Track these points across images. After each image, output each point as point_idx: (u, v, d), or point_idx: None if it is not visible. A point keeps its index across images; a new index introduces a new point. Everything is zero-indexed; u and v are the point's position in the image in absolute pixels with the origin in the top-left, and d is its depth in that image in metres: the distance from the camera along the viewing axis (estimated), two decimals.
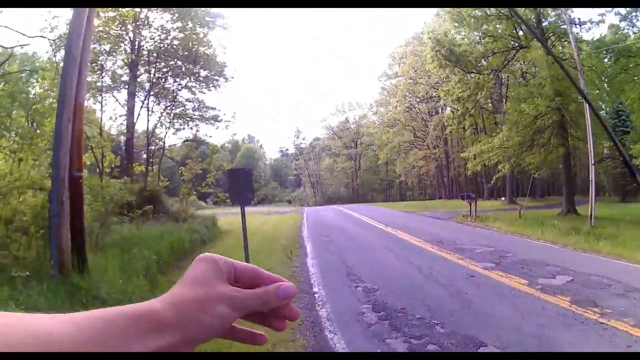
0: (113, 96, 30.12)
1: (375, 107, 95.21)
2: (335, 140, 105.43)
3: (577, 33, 29.53)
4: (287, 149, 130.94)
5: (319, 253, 17.75)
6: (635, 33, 30.72)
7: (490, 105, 53.39)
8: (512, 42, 34.02)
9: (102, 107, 28.11)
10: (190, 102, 34.32)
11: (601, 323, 8.04)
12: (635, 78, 27.15)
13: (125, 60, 29.55)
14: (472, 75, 37.22)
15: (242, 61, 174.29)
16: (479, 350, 7.10)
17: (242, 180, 12.68)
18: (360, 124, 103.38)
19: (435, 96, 73.77)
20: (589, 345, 7.11)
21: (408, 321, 8.63)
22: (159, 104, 32.44)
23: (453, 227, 26.93)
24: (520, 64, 41.06)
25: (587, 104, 24.43)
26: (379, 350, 7.25)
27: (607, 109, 43.44)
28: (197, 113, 34.42)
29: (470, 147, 39.18)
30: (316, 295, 10.85)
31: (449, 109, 65.07)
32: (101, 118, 27.60)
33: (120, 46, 29.00)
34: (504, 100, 46.63)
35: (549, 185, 67.76)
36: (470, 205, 30.87)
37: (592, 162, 24.86)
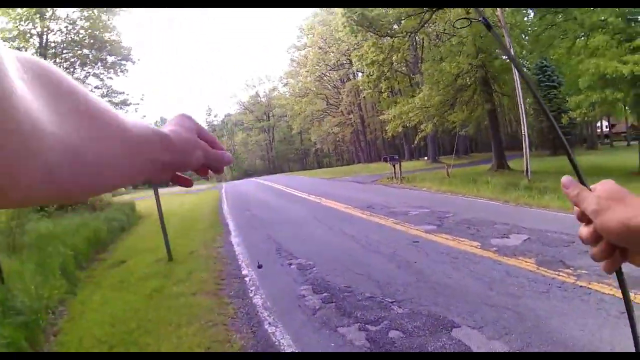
0: None
1: (286, 78, 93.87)
2: (247, 114, 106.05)
3: None
4: None
5: (243, 230, 16.32)
6: None
7: (404, 68, 52.78)
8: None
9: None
10: (98, 88, 33.28)
11: (581, 287, 7.01)
12: (566, 32, 26.73)
13: (36, 54, 27.87)
14: (387, 39, 36.25)
15: (148, 44, 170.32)
16: (452, 333, 5.88)
17: None
18: (271, 96, 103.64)
19: (346, 63, 73.53)
20: (575, 314, 6.06)
21: (357, 302, 7.37)
22: None
23: (380, 191, 25.97)
24: (436, 25, 40.37)
25: (511, 60, 23.81)
26: (332, 344, 5.91)
27: (530, 65, 43.52)
28: (105, 99, 32.39)
29: (388, 110, 38.49)
30: (247, 279, 9.47)
31: (361, 74, 64.94)
32: None
33: (29, 42, 28.50)
34: (420, 62, 46.23)
35: (472, 143, 68.41)
36: (394, 167, 30.41)
37: (523, 116, 24.21)
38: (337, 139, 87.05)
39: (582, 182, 0.94)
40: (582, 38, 26.92)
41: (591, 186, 0.92)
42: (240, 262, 11.11)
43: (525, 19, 29.88)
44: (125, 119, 0.68)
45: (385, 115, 38.60)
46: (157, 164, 0.75)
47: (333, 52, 72.81)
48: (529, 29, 29.72)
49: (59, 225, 15.70)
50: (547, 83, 46.37)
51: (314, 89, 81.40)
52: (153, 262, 11.77)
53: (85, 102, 0.59)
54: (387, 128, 39.44)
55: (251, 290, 8.71)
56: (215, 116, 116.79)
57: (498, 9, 24.95)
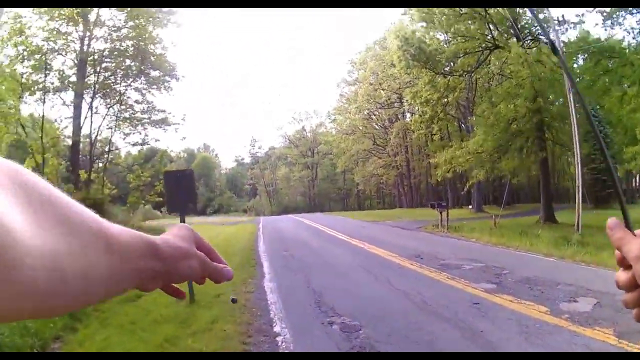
0: (60, 97, 27.89)
1: (334, 114, 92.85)
2: (291, 149, 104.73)
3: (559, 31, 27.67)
4: (242, 158, 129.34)
5: (279, 273, 14.73)
6: (616, 33, 29.34)
7: (454, 110, 51.21)
8: (486, 42, 31.90)
9: (43, 109, 25.62)
10: (139, 103, 31.95)
11: None
12: (623, 78, 25.31)
13: (75, 60, 27.74)
14: (442, 77, 35.09)
15: (196, 64, 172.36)
16: None
17: (182, 185, 10.48)
18: (317, 132, 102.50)
19: (397, 102, 72.33)
20: None
21: None
22: (107, 107, 30.40)
23: (426, 239, 24.17)
24: (494, 65, 39.11)
25: (571, 105, 22.39)
26: None
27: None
28: (145, 116, 31.90)
29: (438, 153, 36.93)
30: (279, 340, 7.79)
31: (410, 114, 63.77)
32: (42, 120, 24.68)
33: (70, 45, 27.53)
34: (472, 105, 44.86)
35: (516, 193, 66.38)
36: (441, 214, 28.59)
37: (579, 167, 22.51)
38: (381, 181, 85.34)
39: (628, 227, 0.86)
40: (638, 84, 25.69)
41: (636, 231, 0.84)
42: (272, 316, 9.45)
43: (575, 65, 28.47)
44: (111, 226, 0.68)
45: (435, 159, 37.02)
46: (144, 273, 0.74)
47: (384, 89, 71.26)
48: (583, 75, 28.27)
49: None
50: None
51: (362, 127, 79.99)
52: (172, 302, 10.17)
53: (67, 212, 0.59)
54: (436, 172, 37.91)
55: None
56: (259, 148, 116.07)
57: (560, 50, 23.49)
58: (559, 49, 23.28)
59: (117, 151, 32.38)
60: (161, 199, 29.63)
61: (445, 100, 36.31)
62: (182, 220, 10.55)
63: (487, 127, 31.01)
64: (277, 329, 8.46)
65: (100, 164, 29.13)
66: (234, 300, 8.93)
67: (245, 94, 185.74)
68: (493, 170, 34.10)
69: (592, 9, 26.12)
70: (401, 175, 78.11)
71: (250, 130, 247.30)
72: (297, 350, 7.35)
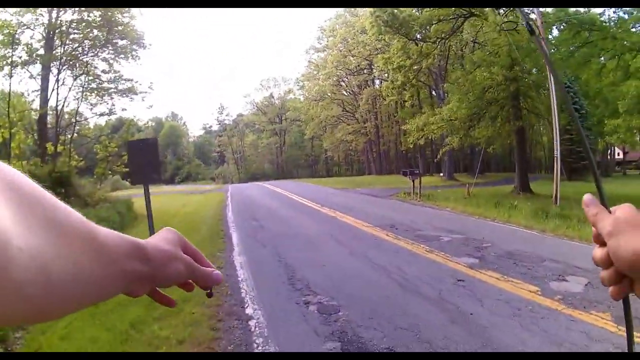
0: (28, 71, 26.96)
1: (302, 81, 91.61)
2: (259, 115, 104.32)
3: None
4: (210, 126, 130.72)
5: (249, 245, 14.02)
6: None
7: (425, 77, 50.51)
8: (461, 9, 31.24)
9: (10, 83, 24.69)
10: (105, 73, 30.86)
11: None
12: (602, 50, 25.01)
13: (42, 34, 26.83)
14: (415, 44, 34.73)
15: (162, 33, 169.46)
16: None
17: (146, 155, 9.87)
18: (286, 99, 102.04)
19: (367, 68, 71.62)
20: None
21: None
22: (74, 79, 29.34)
23: (400, 207, 23.64)
24: (467, 33, 38.63)
25: (550, 76, 21.91)
26: None
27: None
28: (112, 85, 30.81)
29: (410, 120, 36.45)
30: (251, 324, 7.11)
31: (380, 81, 63.19)
32: (9, 94, 23.89)
33: (38, 19, 26.53)
34: (444, 72, 44.46)
35: (487, 162, 66.20)
36: (414, 182, 28.11)
37: (557, 137, 22.05)
38: (349, 147, 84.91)
39: (603, 204, 0.88)
40: (617, 58, 25.42)
41: (611, 208, 0.86)
42: (243, 295, 8.77)
43: (550, 36, 28.00)
44: (98, 228, 0.67)
45: (407, 125, 36.49)
46: (131, 275, 0.73)
47: (354, 55, 70.23)
48: (559, 46, 27.79)
49: None
50: (573, 106, 44.58)
51: (331, 94, 79.20)
52: None
53: (55, 214, 0.58)
54: (407, 139, 37.42)
55: (257, 344, 6.39)
56: (227, 115, 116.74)
57: (538, 20, 22.99)
58: (535, 28, 22.83)
59: (84, 122, 31.55)
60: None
61: (418, 67, 35.72)
62: (146, 191, 9.82)
63: (462, 95, 30.49)
64: (249, 311, 7.79)
65: (68, 136, 28.16)
66: (210, 295, 8.11)
67: (213, 62, 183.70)
68: (467, 138, 33.56)
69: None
70: (370, 142, 77.66)
71: (218, 98, 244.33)
72: (271, 334, 6.69)
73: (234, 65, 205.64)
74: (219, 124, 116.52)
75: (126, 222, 19.92)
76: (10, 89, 24.07)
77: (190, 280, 0.89)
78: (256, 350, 6.16)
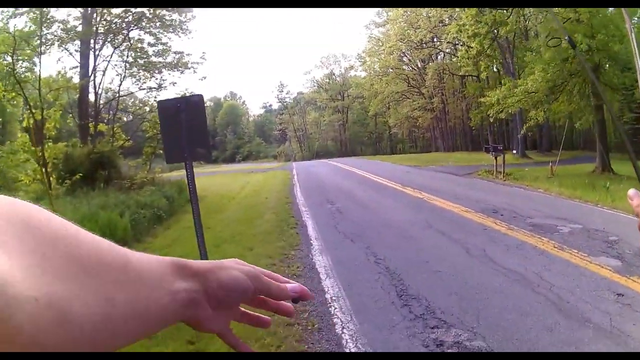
0: (66, 49, 25.06)
1: (365, 56, 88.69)
2: (320, 93, 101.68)
3: None
4: (270, 105, 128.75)
5: (330, 238, 11.38)
6: None
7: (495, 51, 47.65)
8: None
9: (40, 61, 23.42)
10: (151, 46, 28.20)
11: None
12: None
13: (80, 10, 24.56)
14: (489, 11, 32.37)
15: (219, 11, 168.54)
16: None
17: (185, 121, 6.49)
18: (347, 76, 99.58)
19: (430, 42, 68.64)
20: None
21: None
22: (120, 55, 27.13)
23: (488, 188, 20.78)
24: None
25: (635, 48, 19.08)
26: None
27: None
28: (160, 59, 28.33)
29: (490, 92, 33.64)
30: None
31: (444, 54, 60.40)
32: (39, 74, 21.77)
33: None
34: (511, 45, 41.68)
35: (555, 138, 62.25)
36: (496, 159, 25.24)
37: None
38: (414, 124, 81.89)
39: None
40: None
41: None
42: (339, 331, 6.02)
43: None
44: (129, 253, 0.62)
45: (487, 98, 33.70)
46: (181, 297, 0.65)
47: (417, 28, 67.01)
48: None
49: (64, 209, 11.60)
50: None
51: (394, 69, 76.31)
52: None
53: (78, 247, 0.54)
54: (488, 112, 34.66)
55: None
56: (287, 93, 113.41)
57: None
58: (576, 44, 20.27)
59: (131, 100, 29.59)
60: None
61: (493, 35, 33.13)
62: (190, 171, 6.97)
63: (544, 64, 27.61)
64: (349, 344, 5.41)
65: (113, 115, 26.13)
66: (295, 301, 5.64)
67: (273, 38, 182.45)
68: (549, 113, 30.81)
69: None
70: (437, 119, 74.63)
71: (277, 76, 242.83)
72: None
73: (293, 43, 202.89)
74: (280, 101, 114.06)
75: (175, 208, 17.69)
76: (40, 67, 22.83)
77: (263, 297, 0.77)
78: None
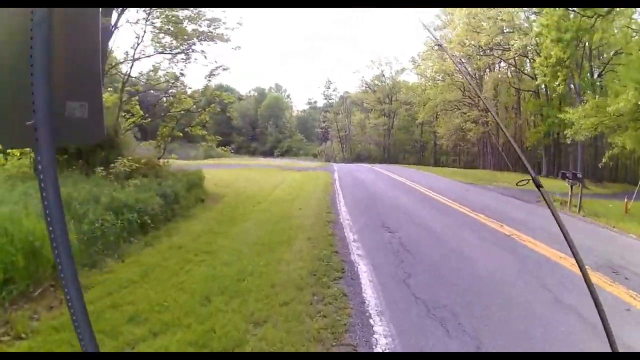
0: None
1: (419, 60, 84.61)
2: (368, 93, 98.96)
3: None
4: (315, 101, 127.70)
5: (398, 305, 7.25)
6: None
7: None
8: None
9: None
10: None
11: None
12: None
13: None
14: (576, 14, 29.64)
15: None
16: None
17: None
18: (397, 79, 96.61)
19: (496, 48, 64.28)
20: None
21: None
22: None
23: (576, 226, 16.20)
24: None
25: None
26: None
27: None
28: (191, 26, 23.22)
29: (571, 110, 30.11)
30: None
31: (503, 63, 56.80)
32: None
33: None
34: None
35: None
36: (572, 188, 21.35)
37: None
38: (467, 136, 77.45)
39: None
40: None
41: None
42: None
43: None
44: None
45: (567, 114, 29.82)
46: None
47: (480, 32, 62.66)
48: None
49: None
50: None
51: (451, 75, 72.05)
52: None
53: None
54: (566, 133, 30.70)
55: None
56: (334, 91, 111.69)
57: None
58: None
59: (151, 71, 25.39)
60: (204, 132, 22.94)
61: (577, 42, 29.78)
62: None
63: (634, 82, 23.55)
64: None
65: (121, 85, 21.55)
66: None
67: (323, 35, 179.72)
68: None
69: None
70: (488, 134, 70.24)
71: (325, 72, 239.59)
72: None
73: (344, 42, 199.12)
74: (325, 98, 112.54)
75: (176, 209, 13.44)
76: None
77: None
78: None
